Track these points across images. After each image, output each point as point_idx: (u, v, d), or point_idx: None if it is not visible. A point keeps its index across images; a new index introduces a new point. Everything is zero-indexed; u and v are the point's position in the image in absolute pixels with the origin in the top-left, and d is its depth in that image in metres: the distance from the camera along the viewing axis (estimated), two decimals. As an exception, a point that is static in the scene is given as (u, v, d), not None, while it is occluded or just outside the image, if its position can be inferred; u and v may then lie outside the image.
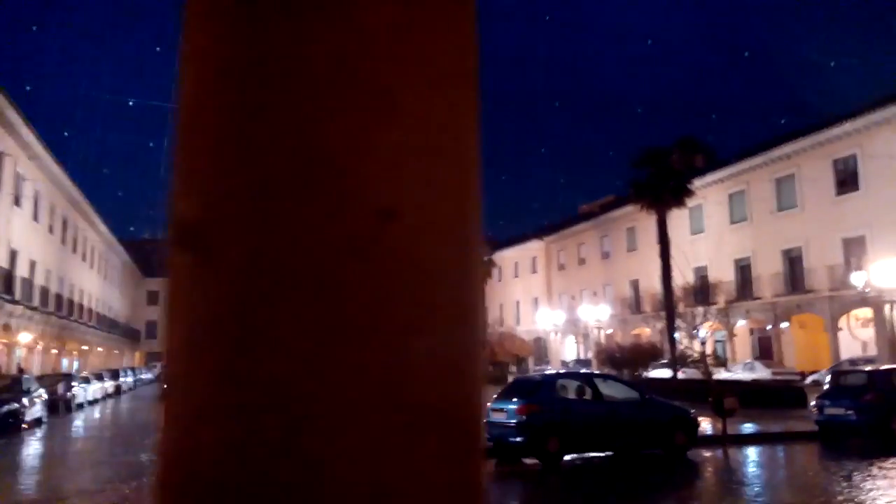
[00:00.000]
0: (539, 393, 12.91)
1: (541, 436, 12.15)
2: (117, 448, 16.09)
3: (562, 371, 25.59)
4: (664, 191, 28.85)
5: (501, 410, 12.85)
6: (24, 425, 19.25)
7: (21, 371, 24.16)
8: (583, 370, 25.61)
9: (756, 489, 10.44)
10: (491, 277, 60.24)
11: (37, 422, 21.12)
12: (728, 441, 14.60)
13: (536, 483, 11.43)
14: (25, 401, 19.95)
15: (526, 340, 54.81)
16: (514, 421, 12.37)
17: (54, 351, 39.69)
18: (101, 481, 11.44)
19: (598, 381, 13.45)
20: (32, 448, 16.22)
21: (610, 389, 13.50)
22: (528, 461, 12.34)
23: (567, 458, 12.85)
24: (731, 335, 37.59)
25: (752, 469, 12.28)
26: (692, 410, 13.77)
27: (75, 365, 44.70)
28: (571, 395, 13.27)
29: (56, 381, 27.13)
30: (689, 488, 11.04)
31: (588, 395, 13.08)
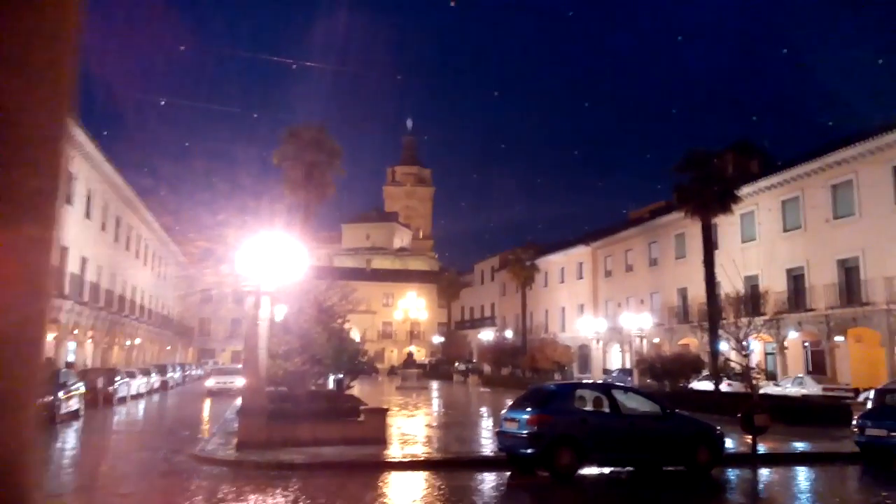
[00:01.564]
0: (553, 403, 12.44)
1: (552, 448, 11.70)
2: (141, 444, 16.28)
3: (587, 381, 24.93)
4: (709, 196, 27.78)
5: (514, 420, 12.45)
6: (58, 418, 19.74)
7: (50, 364, 24.80)
8: (604, 381, 24.83)
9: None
10: (534, 282, 59.57)
11: (73, 415, 21.64)
12: (758, 460, 13.85)
13: (546, 497, 10.98)
14: (61, 394, 20.47)
15: (569, 348, 53.96)
16: (525, 432, 11.95)
17: (104, 346, 40.78)
18: (102, 478, 11.54)
19: (616, 393, 12.88)
20: (57, 441, 16.52)
21: (629, 402, 12.92)
22: (544, 473, 11.90)
23: (588, 472, 12.36)
24: (782, 348, 36.05)
25: (778, 492, 11.53)
26: (718, 427, 13.08)
27: (128, 359, 45.96)
28: (588, 407, 12.75)
29: (97, 375, 27.88)
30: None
31: (606, 407, 12.54)
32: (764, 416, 13.66)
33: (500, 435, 12.89)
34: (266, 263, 14.87)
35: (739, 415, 13.55)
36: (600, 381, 20.46)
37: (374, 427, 15.54)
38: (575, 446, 11.79)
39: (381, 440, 15.19)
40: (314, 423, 14.97)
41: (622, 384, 19.29)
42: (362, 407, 16.09)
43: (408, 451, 14.18)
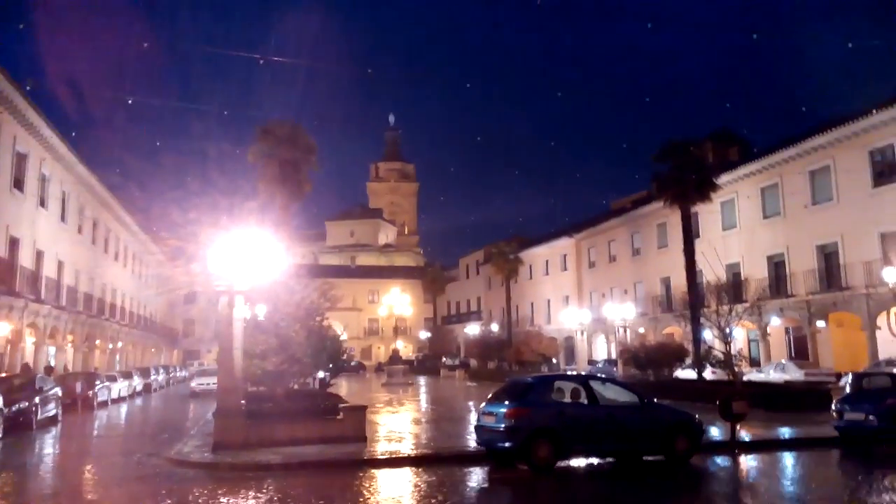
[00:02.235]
0: (530, 396, 12.34)
1: (530, 441, 11.61)
2: (117, 448, 16.03)
3: (570, 372, 24.87)
4: (687, 185, 27.83)
5: (491, 414, 12.35)
6: (35, 424, 19.41)
7: (28, 369, 24.44)
8: (582, 372, 24.80)
9: (757, 502, 9.72)
10: (517, 275, 59.58)
11: (51, 420, 21.32)
12: (738, 448, 13.85)
13: (525, 490, 10.88)
14: (37, 399, 20.14)
15: (555, 340, 54.04)
16: (502, 425, 11.86)
17: (85, 350, 40.27)
18: (69, 485, 11.31)
19: (594, 384, 12.81)
20: (31, 447, 16.24)
21: (607, 392, 12.86)
22: (524, 467, 11.82)
23: (568, 464, 12.28)
24: (765, 335, 36.26)
25: (757, 478, 11.50)
26: (696, 415, 13.05)
27: (109, 363, 45.46)
28: (565, 399, 12.67)
29: (75, 379, 27.50)
30: (681, 499, 10.36)
31: (583, 399, 12.46)
32: (742, 403, 13.65)
33: (479, 429, 12.80)
34: (239, 262, 14.64)
35: (717, 402, 13.53)
36: (576, 373, 20.39)
37: (354, 425, 15.39)
38: (553, 438, 11.71)
39: (361, 438, 15.04)
40: (292, 422, 14.80)
41: (600, 375, 19.20)
42: (341, 405, 15.92)
43: (387, 448, 14.05)
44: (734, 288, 34.69)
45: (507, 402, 12.14)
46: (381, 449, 13.98)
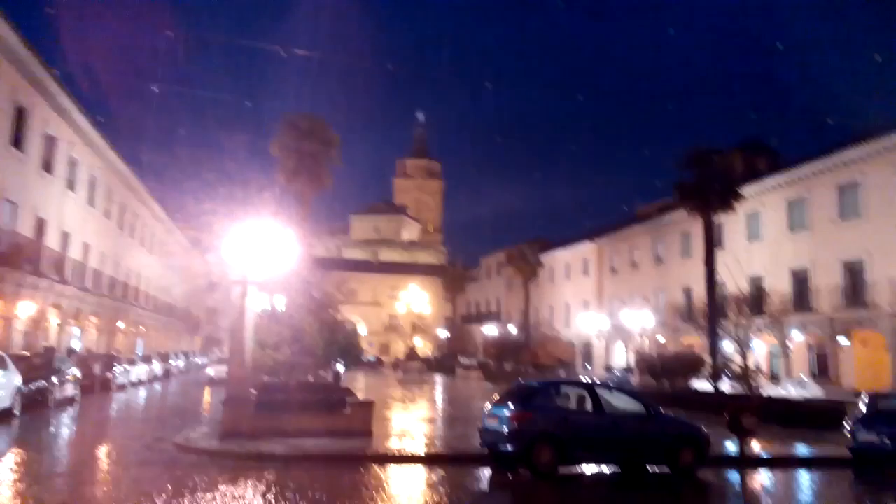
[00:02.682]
0: (534, 400, 12.30)
1: (532, 445, 11.56)
2: (128, 431, 16.27)
3: (582, 378, 24.66)
4: (710, 193, 27.47)
5: (496, 417, 12.32)
6: (51, 403, 19.78)
7: (50, 350, 24.91)
8: (598, 379, 24.56)
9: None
10: (538, 277, 59.32)
11: (69, 401, 21.72)
12: (747, 463, 13.65)
13: (524, 494, 10.84)
14: (55, 379, 20.52)
15: (572, 344, 53.77)
16: (506, 428, 11.82)
17: (108, 333, 40.90)
18: (76, 465, 11.51)
19: (600, 391, 12.71)
20: (44, 427, 16.54)
21: (613, 401, 12.75)
22: (526, 471, 11.77)
23: (571, 471, 12.20)
24: (786, 350, 35.70)
25: (762, 496, 11.32)
26: (703, 428, 12.89)
27: (130, 347, 46.17)
28: (570, 405, 12.60)
29: (95, 361, 27.98)
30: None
31: (588, 406, 12.38)
32: (752, 418, 13.44)
33: (483, 431, 12.78)
34: (253, 253, 14.77)
35: (726, 415, 13.34)
36: (588, 379, 20.22)
37: (361, 420, 15.46)
38: (555, 444, 11.65)
39: (367, 433, 15.10)
40: (300, 414, 14.89)
41: (608, 383, 19.02)
42: (349, 399, 15.99)
43: (392, 445, 14.09)
44: (756, 300, 34.27)
45: (511, 406, 12.10)
46: (385, 445, 14.02)
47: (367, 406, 16.07)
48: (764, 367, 35.45)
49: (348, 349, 19.07)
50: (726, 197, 28.29)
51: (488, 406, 13.03)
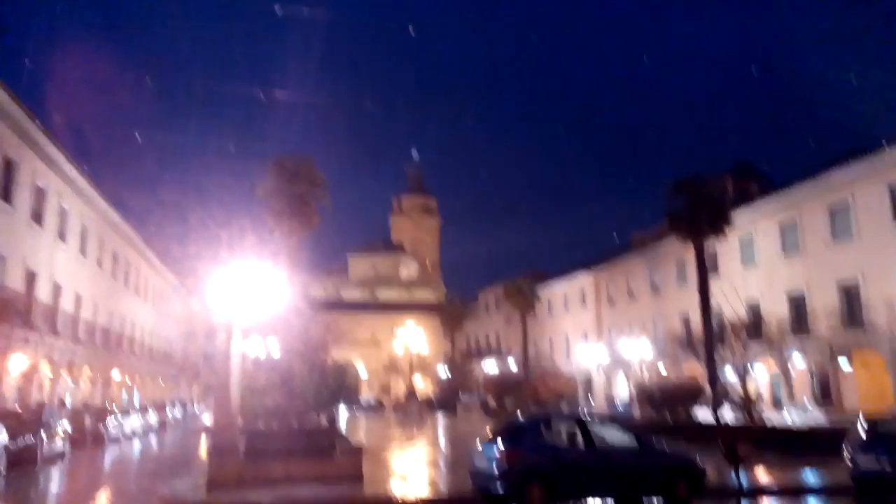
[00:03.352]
0: (524, 437, 12.04)
1: (522, 484, 11.27)
2: (115, 486, 15.92)
3: (558, 413, 24.29)
4: (700, 220, 27.47)
5: (485, 456, 12.05)
6: (40, 459, 19.36)
7: (42, 406, 24.53)
8: (609, 411, 24.22)
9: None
10: (535, 311, 58.96)
11: (58, 456, 21.29)
12: (744, 494, 13.32)
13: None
14: (44, 435, 20.14)
15: (573, 378, 53.27)
16: (495, 468, 11.54)
17: (102, 384, 40.46)
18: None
19: (591, 426, 12.46)
20: (30, 486, 16.18)
21: (605, 434, 12.50)
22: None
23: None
24: (786, 374, 35.31)
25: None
26: (698, 459, 12.61)
27: (126, 397, 45.65)
28: (561, 440, 12.33)
29: (86, 414, 27.56)
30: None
31: (579, 441, 12.11)
32: (747, 447, 13.15)
33: (474, 473, 12.49)
34: (238, 297, 14.64)
35: (721, 444, 13.05)
36: (573, 413, 19.91)
37: (351, 465, 15.13)
38: (546, 482, 11.36)
39: (358, 478, 14.77)
40: (288, 461, 14.59)
41: (596, 416, 18.70)
42: (339, 444, 15.69)
43: (382, 490, 13.77)
44: (754, 325, 34.06)
45: (500, 444, 11.83)
46: (375, 490, 13.70)
47: (357, 451, 15.76)
48: (766, 393, 35.06)
49: (339, 392, 18.81)
50: (717, 223, 28.31)
51: (478, 445, 12.76)
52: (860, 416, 18.00)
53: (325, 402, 19.16)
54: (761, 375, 36.62)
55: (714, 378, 27.03)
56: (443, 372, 74.96)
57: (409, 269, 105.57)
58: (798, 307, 35.47)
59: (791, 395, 35.26)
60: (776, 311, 35.56)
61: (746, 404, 23.45)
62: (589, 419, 13.26)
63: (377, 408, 64.07)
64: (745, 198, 40.27)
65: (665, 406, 27.96)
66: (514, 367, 59.54)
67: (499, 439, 12.12)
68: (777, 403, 35.51)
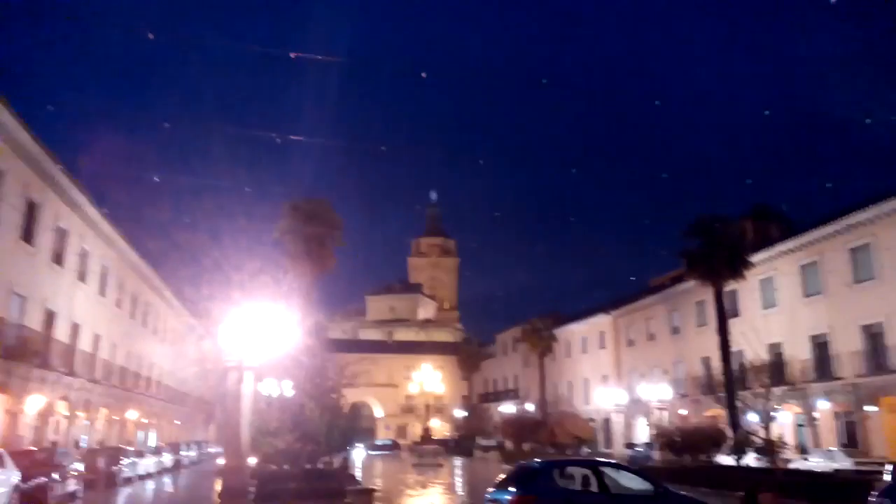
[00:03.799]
0: (536, 482, 11.77)
1: (535, 531, 10.99)
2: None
3: (574, 458, 23.77)
4: (717, 262, 27.20)
5: (496, 502, 11.79)
6: (50, 501, 19.28)
7: (55, 446, 24.55)
8: (629, 455, 23.71)
9: None
10: (553, 353, 58.36)
11: (70, 497, 21.20)
12: (766, 544, 12.88)
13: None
14: (56, 476, 20.10)
15: (591, 421, 52.38)
16: (507, 514, 11.28)
17: (118, 424, 40.46)
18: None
19: (605, 470, 12.17)
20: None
21: (620, 479, 12.19)
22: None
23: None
24: (811, 419, 34.44)
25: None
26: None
27: (141, 437, 45.59)
28: (574, 485, 12.04)
29: (100, 454, 27.48)
30: None
31: (593, 486, 11.82)
32: (769, 495, 12.76)
33: (484, 518, 12.23)
34: (249, 337, 14.61)
35: (742, 493, 12.68)
36: (587, 458, 19.53)
37: (361, 508, 14.90)
38: (559, 529, 11.07)
39: (369, 522, 14.53)
40: (300, 503, 14.41)
41: (613, 461, 18.28)
42: (349, 487, 15.47)
43: (392, 535, 13.50)
44: (776, 369, 33.36)
45: (512, 490, 11.58)
46: (385, 535, 13.43)
47: (369, 494, 15.51)
48: (790, 438, 34.15)
49: (351, 433, 18.62)
50: (735, 265, 28.01)
51: (489, 491, 12.51)
52: (888, 462, 17.47)
53: (337, 444, 18.95)
54: (785, 420, 35.76)
55: (735, 422, 26.42)
56: (459, 414, 74.14)
57: (426, 310, 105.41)
58: (821, 350, 34.77)
59: (816, 441, 34.34)
60: (799, 354, 34.89)
61: (769, 449, 22.84)
62: (603, 463, 12.97)
63: (393, 449, 63.26)
64: (765, 240, 39.91)
65: (685, 450, 27.31)
66: (531, 410, 58.67)
67: (510, 484, 11.88)
68: (802, 449, 34.56)
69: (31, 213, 26.62)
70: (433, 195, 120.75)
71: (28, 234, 26.47)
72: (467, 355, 74.92)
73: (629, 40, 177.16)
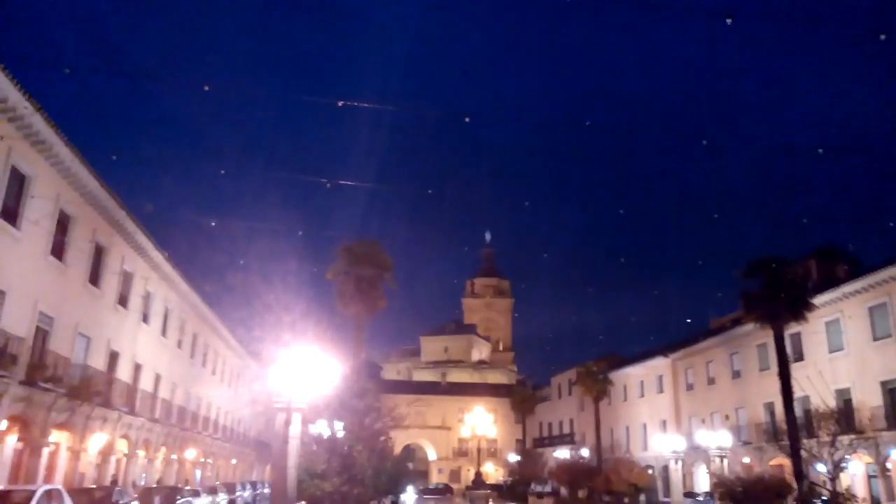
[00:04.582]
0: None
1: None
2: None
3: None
4: (777, 304, 26.29)
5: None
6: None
7: (114, 483, 25.15)
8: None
9: None
10: (609, 396, 57.01)
11: (127, 534, 21.71)
12: None
13: None
14: (113, 513, 20.62)
15: (649, 468, 50.72)
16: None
17: (176, 463, 41.21)
18: None
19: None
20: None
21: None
22: None
23: None
24: (883, 470, 32.55)
25: None
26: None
27: (198, 476, 46.28)
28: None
29: (156, 493, 28.05)
30: None
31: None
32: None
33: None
34: (299, 378, 14.80)
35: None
36: None
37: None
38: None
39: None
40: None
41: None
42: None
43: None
44: (845, 416, 31.85)
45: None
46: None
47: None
48: (861, 490, 32.34)
49: (398, 477, 18.52)
50: (796, 307, 27.00)
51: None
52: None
53: (385, 488, 18.86)
54: (855, 470, 33.91)
55: (801, 472, 25.22)
56: (513, 458, 72.84)
57: (480, 351, 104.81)
58: (893, 397, 33.00)
59: (890, 493, 32.37)
60: (869, 400, 33.18)
61: (837, 502, 21.67)
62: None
63: (444, 493, 62.41)
64: (831, 281, 38.45)
65: (747, 501, 26.13)
66: (587, 455, 57.22)
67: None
68: (874, 502, 32.63)
69: (98, 256, 27.83)
70: (488, 236, 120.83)
71: (95, 277, 27.63)
72: (521, 398, 73.89)
73: (683, 81, 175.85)
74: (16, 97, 19.78)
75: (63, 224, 24.74)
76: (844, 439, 23.16)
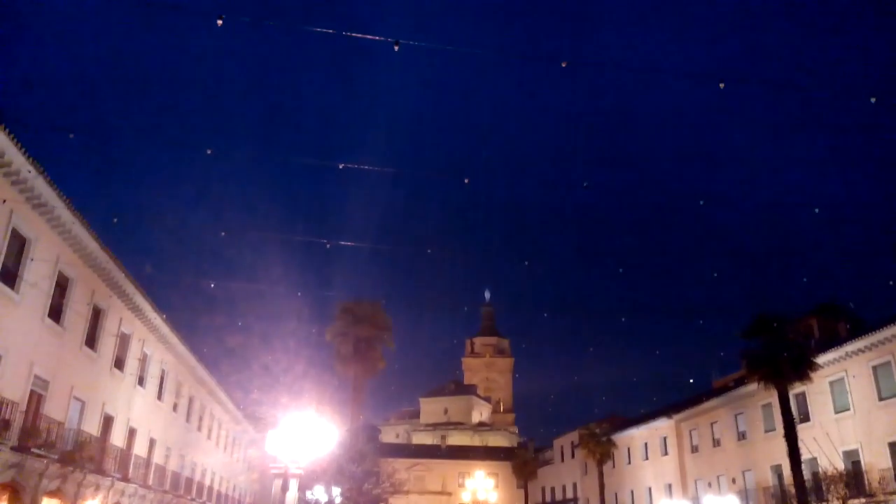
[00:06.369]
0: None
1: None
2: None
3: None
4: (780, 363, 26.04)
5: None
6: None
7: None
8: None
9: None
10: (612, 459, 55.85)
11: None
12: None
13: None
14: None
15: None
16: None
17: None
18: None
19: None
20: None
21: None
22: None
23: None
24: (898, 535, 31.63)
25: None
26: None
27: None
28: None
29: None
30: None
31: None
32: None
33: None
34: (296, 442, 14.55)
35: None
36: None
37: None
38: None
39: None
40: None
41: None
42: None
43: None
44: (854, 479, 31.18)
45: None
46: None
47: None
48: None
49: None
50: (799, 366, 26.74)
51: None
52: None
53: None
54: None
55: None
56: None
57: (481, 412, 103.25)
58: (903, 458, 32.33)
59: (906, 561, 31.36)
60: (878, 462, 32.50)
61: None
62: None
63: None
64: (832, 339, 38.19)
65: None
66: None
67: None
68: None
69: (95, 318, 27.65)
70: (487, 294, 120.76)
71: (91, 340, 27.40)
72: (523, 461, 72.39)
73: (680, 138, 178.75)
74: (20, 161, 20.00)
75: (62, 286, 24.68)
76: (856, 502, 22.53)
